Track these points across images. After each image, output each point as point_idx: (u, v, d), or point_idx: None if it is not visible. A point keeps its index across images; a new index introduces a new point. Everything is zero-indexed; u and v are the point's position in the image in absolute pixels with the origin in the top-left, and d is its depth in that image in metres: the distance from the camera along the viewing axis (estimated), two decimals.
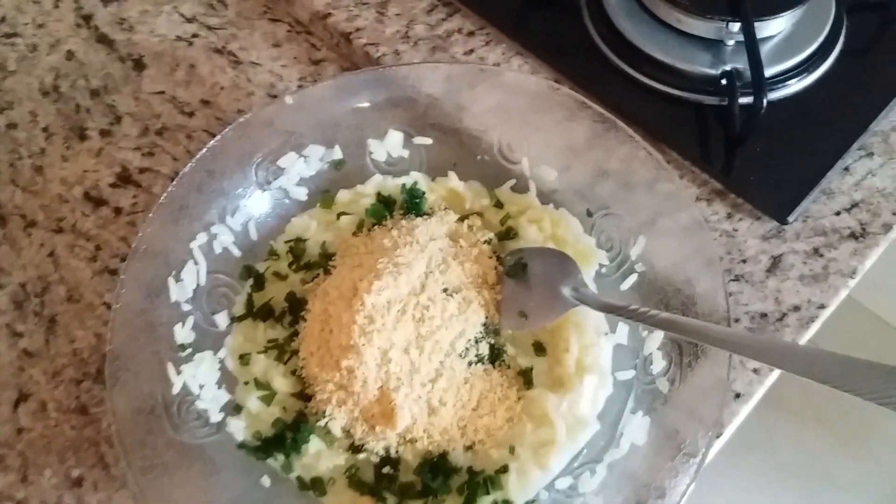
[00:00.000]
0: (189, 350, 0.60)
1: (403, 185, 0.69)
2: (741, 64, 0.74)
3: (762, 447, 1.82)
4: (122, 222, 0.75)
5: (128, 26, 0.89)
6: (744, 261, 0.68)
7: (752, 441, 1.80)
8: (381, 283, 0.59)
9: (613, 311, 0.58)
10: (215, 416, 0.59)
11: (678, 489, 0.52)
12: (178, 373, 0.59)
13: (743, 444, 1.79)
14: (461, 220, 0.67)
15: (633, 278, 0.63)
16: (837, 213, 0.70)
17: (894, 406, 0.47)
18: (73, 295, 0.71)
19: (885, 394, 0.47)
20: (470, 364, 0.60)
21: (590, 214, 0.66)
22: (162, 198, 0.63)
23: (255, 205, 0.67)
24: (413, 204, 0.68)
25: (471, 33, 0.82)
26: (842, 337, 1.90)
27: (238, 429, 0.59)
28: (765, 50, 0.76)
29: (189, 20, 0.89)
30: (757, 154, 0.72)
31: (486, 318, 0.61)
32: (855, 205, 0.71)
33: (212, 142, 0.66)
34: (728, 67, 0.74)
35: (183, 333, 0.61)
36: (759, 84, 0.69)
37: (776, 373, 0.63)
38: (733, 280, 0.67)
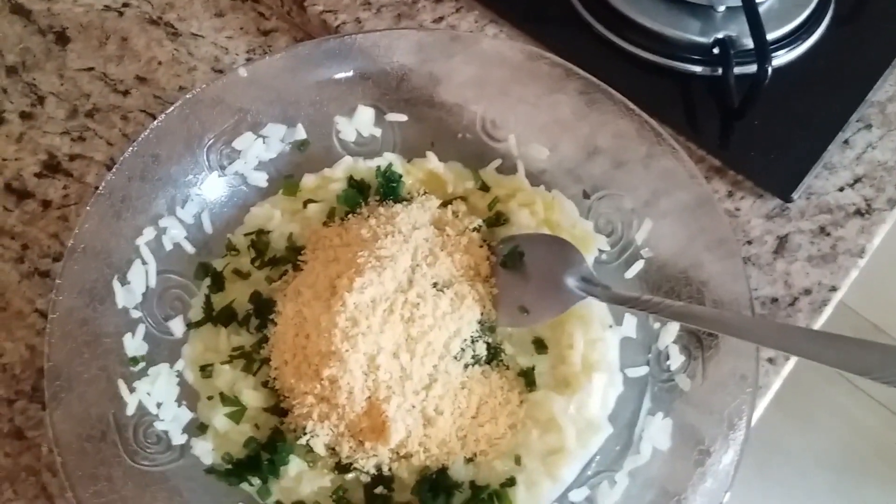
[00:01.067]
0: (142, 363, 0.52)
1: (378, 167, 0.61)
2: (734, 31, 0.69)
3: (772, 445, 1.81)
4: (51, 217, 0.66)
5: None
6: (749, 242, 0.63)
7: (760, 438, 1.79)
8: (364, 280, 0.51)
9: (625, 302, 0.52)
10: (178, 439, 0.51)
11: (714, 499, 0.47)
12: (132, 390, 0.51)
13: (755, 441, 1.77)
14: (444, 205, 0.61)
15: (638, 265, 0.57)
16: (841, 189, 0.66)
17: None
18: None
19: None
20: (466, 367, 0.53)
21: (586, 196, 0.60)
22: (100, 188, 0.54)
23: (209, 193, 0.59)
24: (389, 188, 0.61)
25: None
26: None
27: (205, 451, 0.51)
28: None
29: None
30: (755, 127, 0.67)
31: (482, 314, 0.55)
32: (858, 179, 0.67)
33: (155, 122, 0.57)
34: (721, 35, 0.69)
35: (134, 344, 0.52)
36: (763, 51, 0.64)
37: (792, 362, 0.59)
38: None
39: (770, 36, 0.71)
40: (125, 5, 0.78)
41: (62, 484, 0.50)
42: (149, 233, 0.55)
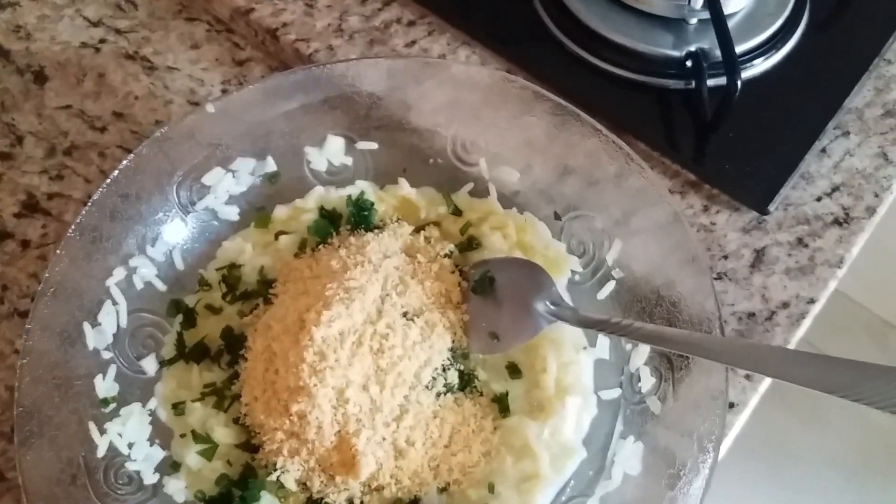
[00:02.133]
0: (113, 405, 0.52)
1: (349, 196, 0.61)
2: (706, 43, 0.69)
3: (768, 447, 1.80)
4: (30, 256, 0.66)
5: (24, 34, 0.79)
6: (725, 257, 0.63)
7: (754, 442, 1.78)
8: (332, 313, 0.51)
9: (594, 325, 0.52)
10: (150, 478, 0.51)
11: None
12: (102, 432, 0.51)
13: (745, 450, 1.77)
14: (416, 231, 0.61)
15: (610, 285, 0.57)
16: (819, 199, 0.66)
17: None
18: None
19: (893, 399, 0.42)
20: (438, 395, 0.53)
21: (558, 217, 0.60)
22: (70, 230, 0.54)
23: (179, 230, 0.59)
24: (361, 217, 0.61)
25: (411, 23, 0.75)
26: (830, 331, 1.90)
27: (177, 489, 0.51)
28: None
29: (95, 24, 0.79)
30: (730, 140, 0.67)
31: (453, 342, 0.55)
32: (836, 188, 0.66)
33: (124, 162, 0.57)
34: (693, 48, 0.69)
35: (105, 386, 0.52)
36: (732, 63, 0.64)
37: (769, 378, 0.58)
38: (716, 278, 0.62)
39: (744, 46, 0.71)
40: (102, 41, 0.79)
41: None
42: (119, 273, 0.55)
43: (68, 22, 0.80)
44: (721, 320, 0.51)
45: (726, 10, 0.70)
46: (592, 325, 0.52)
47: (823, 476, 1.79)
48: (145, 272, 0.57)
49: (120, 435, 0.51)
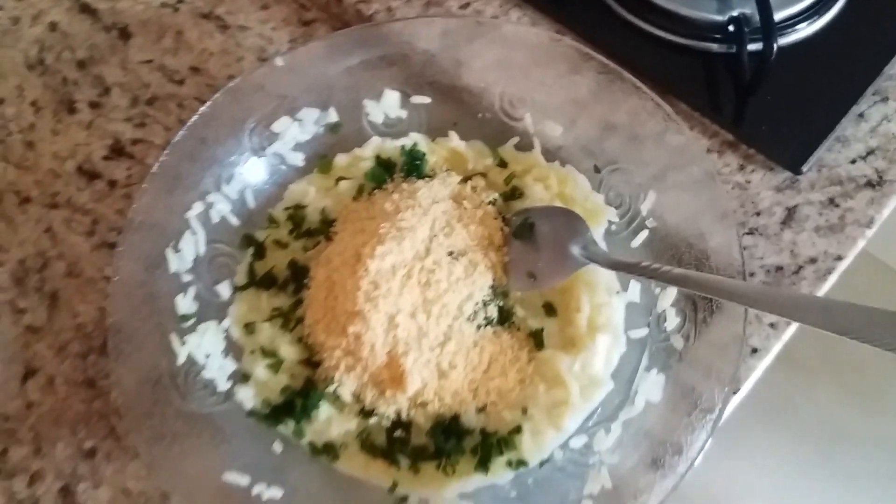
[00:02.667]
0: (192, 320, 0.59)
1: (403, 146, 0.66)
2: (749, 9, 0.71)
3: (778, 406, 1.81)
4: (117, 195, 0.73)
5: None
6: (758, 213, 0.66)
7: (767, 400, 1.80)
8: (385, 248, 0.57)
9: (624, 268, 0.57)
10: (223, 385, 0.58)
11: (695, 445, 0.51)
12: (182, 343, 0.57)
13: (758, 404, 1.79)
14: (464, 181, 0.65)
15: (643, 234, 0.61)
16: (853, 161, 0.68)
17: None
18: (73, 270, 0.69)
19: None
20: (479, 327, 0.58)
21: (597, 170, 0.64)
22: (154, 168, 0.61)
23: (251, 172, 0.65)
24: (413, 166, 0.66)
25: None
26: (856, 291, 1.90)
27: (247, 397, 0.58)
28: None
29: None
30: (768, 102, 0.70)
31: (494, 280, 0.60)
32: (871, 152, 0.69)
33: (201, 109, 0.63)
34: (735, 13, 0.72)
35: (185, 304, 0.59)
36: (769, 29, 0.67)
37: (793, 327, 0.62)
38: (747, 233, 0.65)
39: (788, 11, 0.73)
40: (180, 2, 0.85)
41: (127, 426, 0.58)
42: (198, 207, 0.62)
43: None
44: (745, 268, 0.55)
45: None
46: (622, 268, 0.56)
47: (877, 460, 1.79)
48: (221, 207, 0.63)
49: (198, 347, 0.58)
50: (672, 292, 0.58)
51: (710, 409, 0.52)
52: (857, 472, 1.78)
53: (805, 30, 0.73)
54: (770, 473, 1.80)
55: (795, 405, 1.82)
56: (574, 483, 0.55)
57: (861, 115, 0.70)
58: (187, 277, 0.60)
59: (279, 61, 0.65)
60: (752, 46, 0.70)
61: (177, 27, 0.83)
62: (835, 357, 1.82)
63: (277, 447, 0.56)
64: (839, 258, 0.64)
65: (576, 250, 0.58)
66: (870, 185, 0.67)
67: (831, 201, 0.66)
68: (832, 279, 0.64)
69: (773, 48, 0.66)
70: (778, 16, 0.72)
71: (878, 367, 1.85)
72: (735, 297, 0.51)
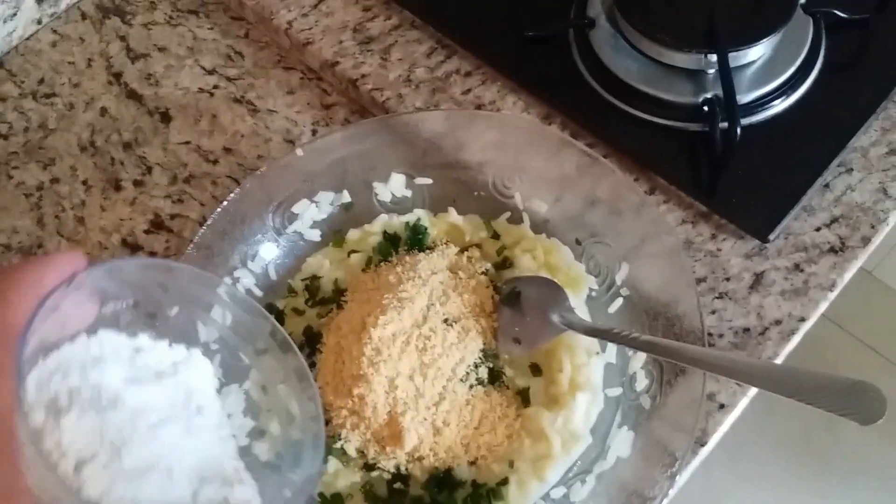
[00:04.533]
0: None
1: (407, 223, 0.75)
2: (721, 91, 0.78)
3: (795, 436, 1.84)
4: None
5: (154, 81, 0.96)
6: (727, 279, 0.73)
7: (784, 431, 1.83)
8: (387, 318, 0.65)
9: (598, 334, 0.64)
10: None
11: (659, 496, 0.57)
12: None
13: (776, 434, 1.82)
14: (461, 251, 0.73)
15: (618, 302, 0.68)
16: (818, 229, 0.75)
17: (853, 417, 0.51)
18: None
19: (844, 406, 0.52)
20: (471, 387, 0.66)
21: (579, 243, 0.72)
22: (189, 248, 0.70)
23: (273, 249, 0.74)
24: (416, 240, 0.74)
25: (468, 73, 0.88)
26: (857, 312, 1.93)
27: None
28: (746, 75, 0.81)
29: (209, 72, 0.96)
30: (739, 176, 0.76)
31: (484, 344, 0.67)
32: (835, 220, 0.75)
33: (231, 195, 0.72)
34: (709, 95, 0.79)
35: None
36: (733, 113, 0.74)
37: None
38: (717, 297, 0.72)
39: (760, 91, 0.80)
40: (215, 87, 0.95)
41: None
42: (226, 281, 0.71)
43: (188, 70, 0.97)
44: (706, 335, 0.62)
45: (745, 60, 0.81)
46: (596, 334, 0.64)
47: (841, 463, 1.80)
48: (246, 281, 0.72)
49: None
50: (642, 356, 0.65)
51: (673, 463, 0.58)
52: (878, 501, 1.79)
53: (776, 107, 0.80)
54: (787, 500, 1.82)
55: (813, 432, 1.85)
56: None
57: (826, 186, 0.77)
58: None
59: (299, 151, 0.75)
60: (724, 124, 0.77)
61: (212, 110, 0.93)
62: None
63: (287, 493, 0.64)
64: (802, 320, 0.70)
65: (555, 317, 0.66)
66: (833, 251, 0.73)
67: (796, 266, 0.73)
68: (795, 339, 0.70)
69: (737, 130, 0.73)
70: (751, 96, 0.80)
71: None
72: (694, 362, 0.58)
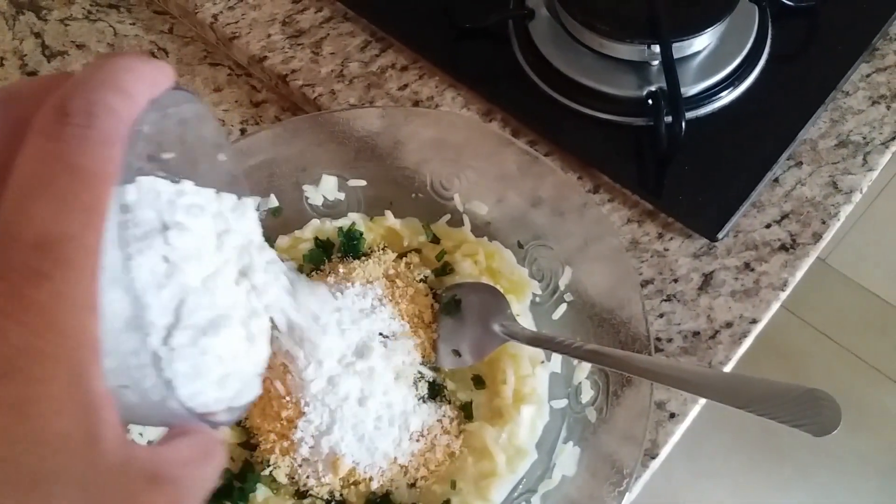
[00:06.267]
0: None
1: (340, 227, 0.70)
2: (665, 83, 0.75)
3: (758, 430, 1.84)
4: None
5: None
6: (675, 280, 0.70)
7: (740, 424, 1.83)
8: None
9: (541, 343, 0.60)
10: None
11: None
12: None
13: (733, 423, 1.82)
14: (400, 257, 0.69)
15: (563, 308, 0.65)
16: (768, 226, 0.72)
17: (807, 428, 0.49)
18: None
19: (798, 417, 0.49)
20: (410, 403, 0.62)
21: (521, 246, 0.68)
22: None
23: None
24: (351, 246, 0.69)
25: (404, 68, 0.83)
26: (821, 305, 1.95)
27: None
28: (692, 66, 0.78)
29: None
30: (685, 172, 0.74)
31: (424, 357, 0.63)
32: (785, 216, 0.72)
33: None
34: (654, 87, 0.76)
35: None
36: (677, 106, 0.71)
37: None
38: (665, 300, 0.69)
39: (706, 83, 0.77)
40: None
41: None
42: None
43: None
44: (652, 342, 0.59)
45: (690, 51, 0.78)
46: (538, 344, 0.60)
47: (856, 478, 1.82)
48: None
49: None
50: (587, 366, 0.61)
51: (621, 481, 0.55)
52: (835, 489, 1.81)
53: (723, 99, 0.78)
54: (747, 493, 1.82)
55: (771, 425, 1.85)
56: None
57: (776, 180, 0.74)
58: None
59: (221, 157, 0.69)
60: (669, 118, 0.74)
61: None
62: (811, 378, 1.86)
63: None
64: (754, 321, 0.68)
65: (497, 327, 0.62)
66: (783, 248, 0.71)
67: (747, 266, 0.70)
68: (747, 342, 0.67)
69: (681, 124, 0.70)
70: (697, 88, 0.77)
71: (856, 385, 1.88)
72: (641, 372, 0.55)
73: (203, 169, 0.43)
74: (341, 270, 0.67)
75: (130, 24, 0.94)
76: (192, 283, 0.35)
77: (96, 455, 0.25)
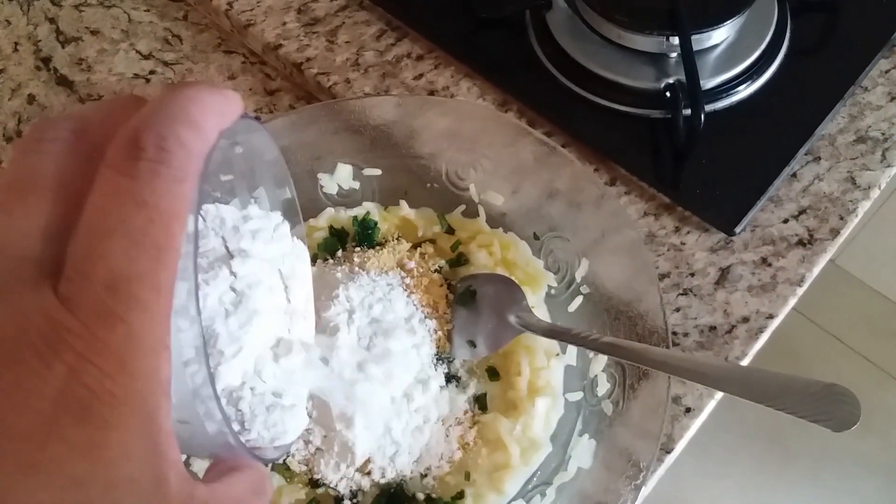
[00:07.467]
0: None
1: (355, 217, 0.70)
2: (683, 76, 0.75)
3: (766, 431, 1.84)
4: None
5: (86, 66, 0.90)
6: (692, 274, 0.69)
7: (750, 424, 1.83)
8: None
9: (557, 335, 0.60)
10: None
11: None
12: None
13: (742, 428, 1.81)
14: (414, 247, 0.69)
15: (578, 300, 0.64)
16: (785, 221, 0.71)
17: (826, 424, 0.48)
18: None
19: (817, 412, 0.48)
20: (424, 393, 0.61)
21: (537, 237, 0.68)
22: None
23: None
24: (365, 235, 0.69)
25: (420, 57, 0.83)
26: (830, 306, 1.95)
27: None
28: (710, 59, 0.77)
29: (146, 57, 0.90)
30: (703, 166, 0.73)
31: (438, 347, 0.63)
32: (802, 211, 0.72)
33: None
34: (672, 80, 0.75)
35: None
36: (696, 99, 0.70)
37: None
38: (682, 294, 0.68)
39: (724, 76, 0.77)
40: (151, 72, 0.89)
41: None
42: None
43: (123, 55, 0.91)
44: (669, 335, 0.58)
45: (709, 43, 0.77)
46: (554, 336, 0.60)
47: (861, 479, 1.82)
48: None
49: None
50: (603, 358, 0.61)
51: (637, 474, 0.55)
52: (842, 490, 1.80)
53: (742, 93, 0.77)
54: (753, 494, 1.82)
55: (778, 426, 1.85)
56: None
57: (794, 175, 0.74)
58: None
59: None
60: (687, 111, 0.73)
61: (148, 97, 0.87)
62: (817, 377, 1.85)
63: None
64: (771, 317, 0.67)
65: (512, 318, 0.61)
66: (801, 243, 0.70)
67: (764, 261, 0.69)
68: (764, 337, 0.67)
69: (700, 116, 0.69)
70: (715, 81, 0.76)
71: (864, 386, 1.88)
72: (658, 365, 0.54)
73: (260, 194, 0.44)
74: (356, 259, 0.66)
75: (145, 10, 0.93)
76: (260, 309, 0.35)
77: (161, 497, 0.26)
